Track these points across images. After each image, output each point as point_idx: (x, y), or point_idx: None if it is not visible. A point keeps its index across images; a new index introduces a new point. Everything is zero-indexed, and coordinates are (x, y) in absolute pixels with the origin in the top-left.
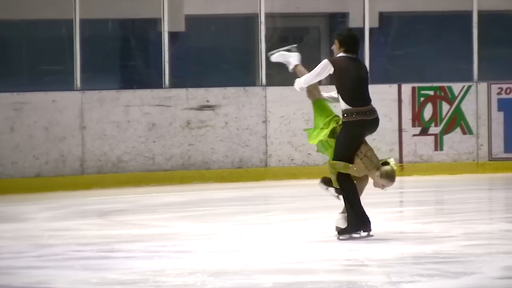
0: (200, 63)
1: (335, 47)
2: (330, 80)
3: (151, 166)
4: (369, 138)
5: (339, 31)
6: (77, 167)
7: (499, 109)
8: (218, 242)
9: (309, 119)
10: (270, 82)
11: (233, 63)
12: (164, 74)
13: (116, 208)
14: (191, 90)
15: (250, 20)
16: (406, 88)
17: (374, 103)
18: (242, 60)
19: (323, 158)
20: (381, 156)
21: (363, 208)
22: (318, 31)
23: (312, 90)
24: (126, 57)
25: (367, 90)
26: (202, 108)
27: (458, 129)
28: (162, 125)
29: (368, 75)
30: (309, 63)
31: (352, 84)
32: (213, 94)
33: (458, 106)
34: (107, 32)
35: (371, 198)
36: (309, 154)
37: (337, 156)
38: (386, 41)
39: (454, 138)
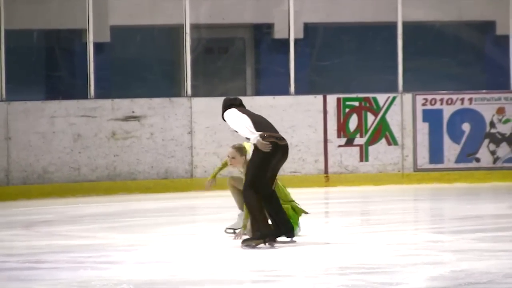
0: (126, 74)
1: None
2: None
3: (76, 177)
4: (295, 149)
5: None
6: (3, 178)
7: (424, 120)
8: (144, 253)
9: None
10: (196, 93)
11: (158, 73)
12: (90, 85)
13: (42, 219)
14: (117, 100)
15: (175, 31)
16: (331, 99)
17: (300, 114)
18: (168, 71)
19: None
20: (308, 168)
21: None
22: (243, 42)
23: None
24: (51, 68)
25: None
26: (127, 119)
27: (383, 140)
28: (88, 136)
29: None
30: (234, 74)
31: None
32: (139, 105)
33: (383, 117)
34: (32, 42)
35: None
36: None
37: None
38: (311, 52)
39: (379, 149)
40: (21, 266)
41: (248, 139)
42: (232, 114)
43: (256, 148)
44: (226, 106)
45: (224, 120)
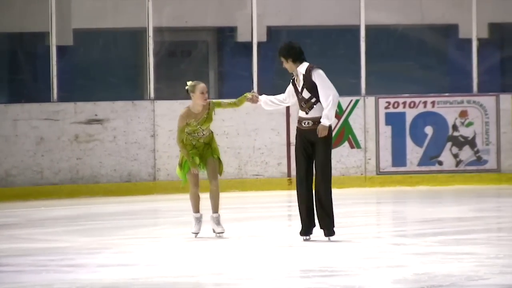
0: (88, 77)
1: (288, 64)
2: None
3: (39, 180)
4: (258, 152)
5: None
6: None
7: (387, 123)
8: (107, 256)
9: None
10: (159, 96)
11: (121, 77)
12: (52, 88)
13: (4, 222)
14: (79, 104)
15: (138, 34)
16: None
17: (263, 117)
18: (131, 74)
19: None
20: (271, 171)
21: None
22: (206, 45)
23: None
24: (14, 71)
25: None
26: (90, 122)
27: (346, 143)
28: (50, 139)
29: None
30: (197, 77)
31: None
32: (101, 108)
33: (346, 120)
34: None
35: (260, 211)
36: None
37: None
38: (274, 55)
39: (342, 152)
40: None
41: (304, 110)
42: (328, 80)
43: (325, 135)
44: (297, 54)
45: (290, 63)
